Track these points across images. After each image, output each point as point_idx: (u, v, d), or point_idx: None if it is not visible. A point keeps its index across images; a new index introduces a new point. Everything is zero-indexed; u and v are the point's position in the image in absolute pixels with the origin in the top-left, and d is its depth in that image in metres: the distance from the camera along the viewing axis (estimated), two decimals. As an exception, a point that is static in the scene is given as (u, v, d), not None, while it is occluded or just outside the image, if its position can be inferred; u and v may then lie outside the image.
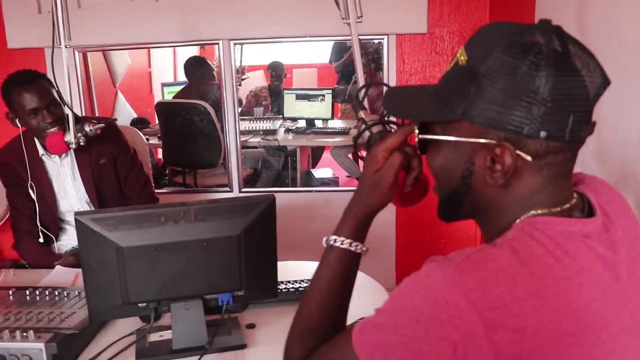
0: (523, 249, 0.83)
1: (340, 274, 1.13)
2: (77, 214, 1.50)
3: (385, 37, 3.57)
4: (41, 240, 2.45)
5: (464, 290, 0.79)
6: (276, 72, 5.97)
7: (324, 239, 1.14)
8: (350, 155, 4.89)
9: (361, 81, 1.53)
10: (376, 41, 4.00)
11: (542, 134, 0.84)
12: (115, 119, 2.38)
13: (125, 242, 1.52)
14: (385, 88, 1.15)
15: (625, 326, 0.87)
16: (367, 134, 1.28)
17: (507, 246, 0.84)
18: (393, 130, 1.25)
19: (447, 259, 0.84)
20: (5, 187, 2.52)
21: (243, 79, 6.47)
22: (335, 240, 1.12)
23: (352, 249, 1.12)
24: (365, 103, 1.38)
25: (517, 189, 0.90)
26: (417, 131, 1.00)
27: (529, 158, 0.86)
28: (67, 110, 2.18)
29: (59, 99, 2.23)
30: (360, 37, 3.90)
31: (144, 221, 1.53)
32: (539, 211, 0.90)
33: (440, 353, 0.80)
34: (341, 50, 5.65)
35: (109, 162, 2.50)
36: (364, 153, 1.31)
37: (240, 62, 6.55)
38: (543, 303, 0.79)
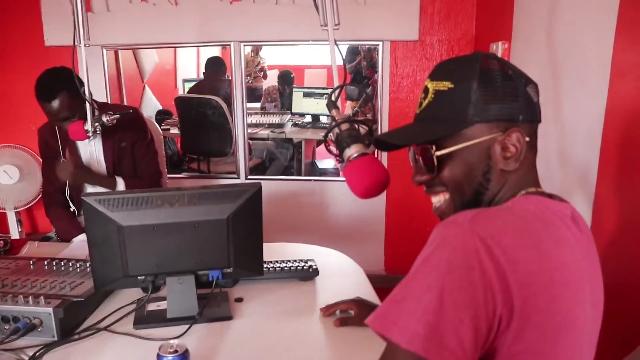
0: (521, 212, 0.92)
1: None
2: (83, 195, 1.52)
3: (381, 42, 3.56)
4: (72, 208, 2.52)
5: (482, 237, 0.81)
6: (284, 81, 6.06)
7: None
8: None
9: (336, 83, 1.53)
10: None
11: (530, 117, 0.98)
12: (130, 111, 2.37)
13: (125, 222, 1.53)
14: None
15: (588, 296, 0.92)
16: (336, 130, 1.28)
17: (506, 210, 0.93)
18: (360, 127, 1.26)
19: (456, 217, 0.87)
20: (41, 158, 2.58)
21: (259, 76, 6.51)
22: None
23: None
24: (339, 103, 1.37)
25: (520, 168, 0.98)
26: (434, 149, 1.01)
27: (527, 139, 0.97)
28: (87, 103, 2.18)
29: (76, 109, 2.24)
30: (358, 42, 3.93)
31: (143, 203, 1.53)
32: (530, 189, 0.99)
33: (472, 298, 0.80)
34: (355, 53, 5.64)
35: (128, 145, 2.52)
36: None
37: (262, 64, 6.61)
38: (541, 255, 0.84)
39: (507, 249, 0.82)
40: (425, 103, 1.02)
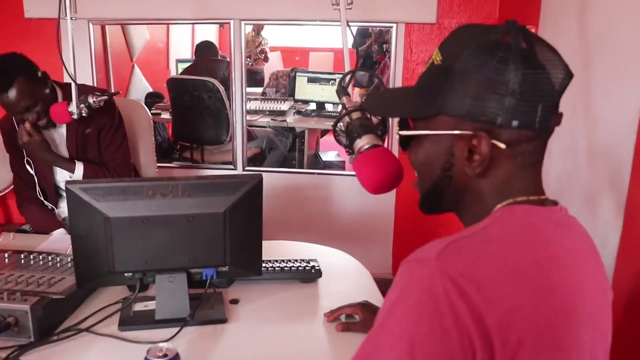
0: (497, 234, 0.88)
1: None
2: (67, 182, 1.52)
3: (395, 25, 3.55)
4: (47, 204, 2.50)
5: (451, 276, 0.80)
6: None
7: None
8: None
9: (347, 67, 1.54)
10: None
11: (514, 123, 0.88)
12: (118, 92, 2.38)
13: (113, 213, 1.53)
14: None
15: (589, 316, 0.90)
16: (346, 119, 1.29)
17: (481, 234, 0.88)
18: (372, 117, 1.26)
19: (422, 253, 0.85)
20: (8, 153, 2.56)
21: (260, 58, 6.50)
22: None
23: None
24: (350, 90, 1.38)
25: (494, 177, 0.93)
26: (397, 128, 1.01)
27: (503, 146, 0.89)
28: (72, 82, 2.18)
29: (39, 97, 2.22)
30: (370, 23, 3.93)
31: (133, 193, 1.54)
32: (519, 199, 0.93)
33: (446, 347, 0.79)
34: (365, 35, 5.63)
35: (94, 132, 2.46)
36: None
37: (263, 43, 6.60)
38: (521, 285, 0.82)
39: (481, 285, 0.80)
40: (422, 72, 1.00)
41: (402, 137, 1.02)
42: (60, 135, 2.46)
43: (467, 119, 0.90)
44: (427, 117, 0.95)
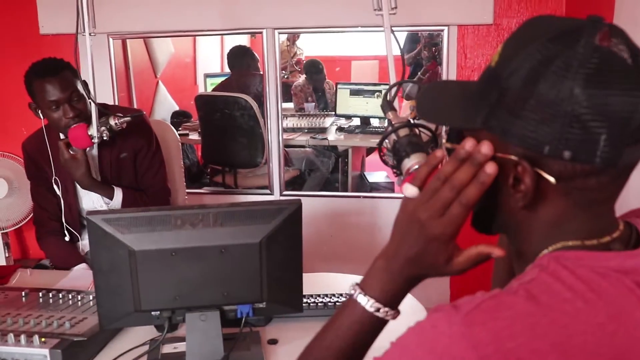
0: (544, 292, 0.80)
1: (358, 339, 1.01)
2: (89, 213, 1.56)
3: (446, 28, 3.55)
4: (67, 238, 2.54)
5: (473, 344, 0.76)
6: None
7: (351, 287, 1.03)
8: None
9: (392, 79, 1.55)
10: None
11: (566, 154, 0.79)
12: (142, 113, 2.43)
13: (138, 246, 1.56)
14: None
15: None
16: (393, 136, 1.29)
17: (524, 291, 0.80)
18: (421, 133, 1.27)
19: (455, 307, 0.81)
20: (29, 179, 2.62)
21: (297, 70, 6.54)
22: (360, 296, 1.00)
23: (381, 315, 0.99)
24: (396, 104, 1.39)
25: (543, 213, 0.87)
26: (445, 138, 0.99)
27: (551, 179, 0.81)
28: (91, 102, 2.23)
29: (83, 92, 2.28)
30: (417, 28, 3.93)
31: (159, 224, 1.56)
32: (571, 243, 0.86)
33: None
34: (415, 41, 5.64)
35: (130, 156, 2.53)
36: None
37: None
38: (568, 357, 0.76)
39: (509, 356, 0.75)
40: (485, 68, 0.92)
41: (449, 149, 0.98)
42: (92, 158, 2.49)
43: (511, 142, 0.83)
44: (473, 130, 0.89)
